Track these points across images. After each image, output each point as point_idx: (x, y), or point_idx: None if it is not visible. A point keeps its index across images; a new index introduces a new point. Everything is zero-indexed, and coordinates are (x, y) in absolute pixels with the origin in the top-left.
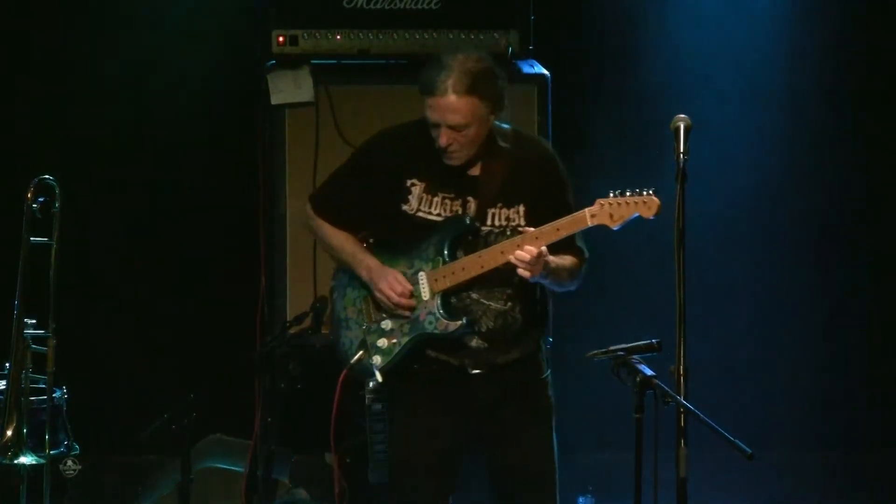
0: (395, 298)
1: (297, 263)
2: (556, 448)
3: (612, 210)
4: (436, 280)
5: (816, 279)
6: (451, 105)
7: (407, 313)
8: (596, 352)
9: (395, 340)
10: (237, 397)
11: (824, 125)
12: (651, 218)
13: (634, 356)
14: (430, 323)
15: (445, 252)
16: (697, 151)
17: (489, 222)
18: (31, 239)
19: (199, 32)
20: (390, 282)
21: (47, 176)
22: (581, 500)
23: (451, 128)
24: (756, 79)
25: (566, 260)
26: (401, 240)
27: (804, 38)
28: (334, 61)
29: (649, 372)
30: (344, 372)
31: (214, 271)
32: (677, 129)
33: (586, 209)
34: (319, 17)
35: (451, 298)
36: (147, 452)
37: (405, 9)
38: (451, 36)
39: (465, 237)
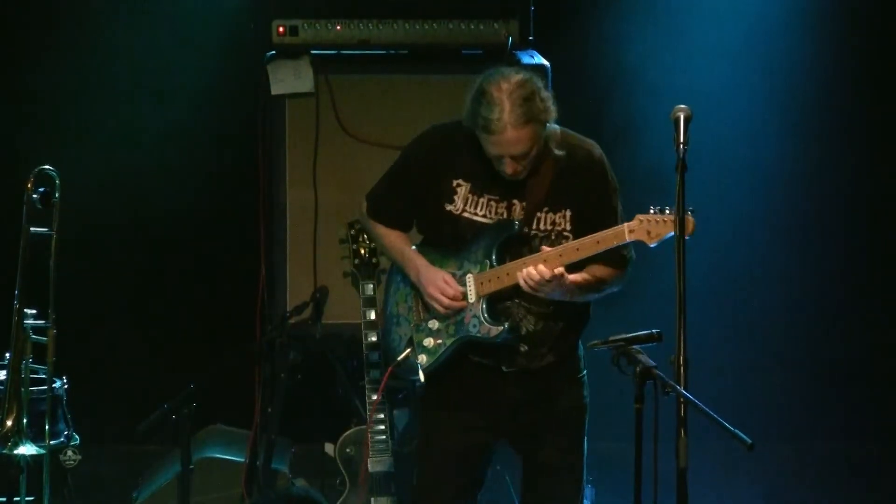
0: (447, 303)
1: (297, 254)
2: (585, 448)
3: (649, 227)
4: (482, 283)
5: (816, 274)
6: (512, 139)
7: (455, 315)
8: (596, 342)
9: (440, 341)
10: (237, 387)
11: (825, 124)
12: (686, 238)
13: (635, 346)
14: (474, 326)
15: (493, 256)
16: (698, 147)
17: (535, 226)
18: (32, 229)
19: (198, 23)
20: (441, 286)
21: (47, 166)
22: None
23: (514, 157)
24: (756, 72)
25: (599, 271)
26: (448, 239)
27: (805, 33)
28: (334, 51)
29: (650, 362)
30: (390, 368)
31: (215, 261)
32: (677, 119)
33: (625, 224)
34: (319, 7)
35: (496, 302)
36: (147, 443)
37: None
38: (451, 26)
39: (511, 241)
